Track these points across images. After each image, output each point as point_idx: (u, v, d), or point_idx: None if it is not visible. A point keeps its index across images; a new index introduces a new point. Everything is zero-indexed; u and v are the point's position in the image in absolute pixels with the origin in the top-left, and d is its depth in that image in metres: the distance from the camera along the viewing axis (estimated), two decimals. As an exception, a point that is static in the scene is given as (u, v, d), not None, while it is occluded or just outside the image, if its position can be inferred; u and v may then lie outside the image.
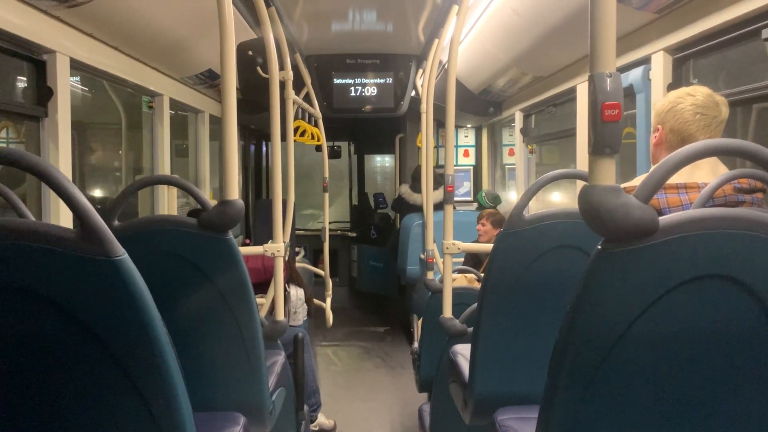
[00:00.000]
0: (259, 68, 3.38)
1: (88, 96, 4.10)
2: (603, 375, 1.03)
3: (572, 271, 1.03)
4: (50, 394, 1.13)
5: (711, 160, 1.72)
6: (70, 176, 2.62)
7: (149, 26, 2.92)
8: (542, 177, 2.01)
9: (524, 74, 4.30)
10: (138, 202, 3.86)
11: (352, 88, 5.38)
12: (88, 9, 2.40)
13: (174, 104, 4.00)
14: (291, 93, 3.53)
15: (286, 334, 2.93)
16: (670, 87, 2.59)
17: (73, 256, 1.05)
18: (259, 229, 6.35)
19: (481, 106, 5.56)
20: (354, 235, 7.61)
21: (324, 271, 5.70)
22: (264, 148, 7.80)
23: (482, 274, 2.78)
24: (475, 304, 2.26)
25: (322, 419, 3.97)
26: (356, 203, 8.21)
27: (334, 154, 7.42)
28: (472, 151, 7.02)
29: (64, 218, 2.40)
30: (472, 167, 7.00)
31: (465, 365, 2.28)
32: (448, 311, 2.79)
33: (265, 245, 2.76)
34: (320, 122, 5.46)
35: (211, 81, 4.17)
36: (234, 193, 1.99)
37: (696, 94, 1.77)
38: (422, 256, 5.06)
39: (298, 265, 5.32)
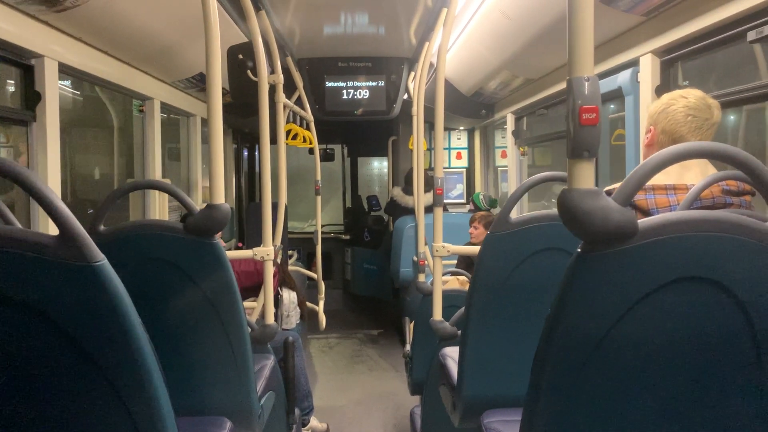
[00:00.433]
0: (249, 71, 3.37)
1: (79, 99, 4.09)
2: (584, 378, 1.03)
3: (558, 273, 1.03)
4: (29, 401, 1.12)
5: (701, 161, 1.73)
6: (59, 181, 2.61)
7: (139, 30, 2.92)
8: (526, 181, 2.02)
9: (515, 77, 4.31)
10: (129, 207, 3.85)
11: (344, 91, 5.38)
12: (76, 13, 2.39)
13: (165, 108, 4.00)
14: (282, 96, 3.53)
15: (278, 338, 2.92)
16: (659, 89, 2.60)
17: (52, 261, 1.04)
18: (252, 233, 6.34)
19: (473, 108, 5.57)
20: (347, 237, 7.61)
21: (317, 274, 5.70)
22: (257, 152, 7.79)
23: (473, 277, 2.78)
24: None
25: (314, 422, 3.96)
26: (350, 206, 8.21)
27: (327, 157, 7.42)
28: (464, 153, 7.03)
29: (53, 225, 2.38)
30: (464, 169, 7.01)
31: (454, 368, 2.28)
32: (438, 314, 2.79)
33: (255, 249, 2.75)
34: (312, 125, 5.46)
35: (202, 84, 4.16)
36: (220, 197, 1.99)
37: (689, 96, 1.79)
38: (414, 259, 5.06)
39: (290, 268, 5.32)
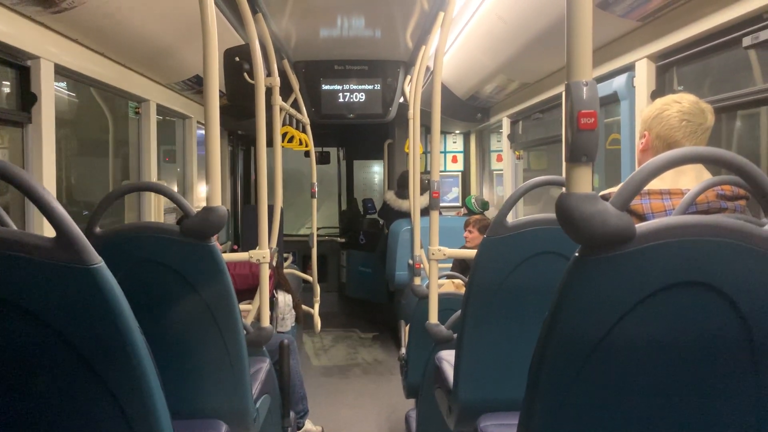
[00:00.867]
0: (245, 74, 3.37)
1: (75, 101, 4.07)
2: (581, 381, 1.04)
3: (555, 277, 1.04)
4: (24, 403, 1.12)
5: (696, 166, 1.73)
6: (54, 183, 2.60)
7: (135, 32, 2.91)
8: (523, 185, 2.02)
9: (511, 81, 4.33)
10: (125, 209, 3.84)
11: (341, 94, 5.38)
12: (73, 15, 2.39)
13: (161, 110, 3.99)
14: (278, 99, 3.53)
15: (273, 341, 2.92)
16: (654, 94, 2.61)
17: (48, 264, 1.04)
18: (248, 235, 6.32)
19: (469, 112, 5.58)
20: (343, 240, 7.60)
21: (312, 277, 5.69)
22: (252, 154, 7.78)
23: (469, 280, 2.78)
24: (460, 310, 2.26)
25: (309, 426, 3.95)
26: (345, 208, 8.21)
27: (323, 159, 7.41)
28: (460, 157, 7.04)
29: (49, 227, 2.37)
30: (460, 173, 7.02)
31: (450, 371, 2.28)
32: (434, 317, 2.79)
33: (250, 251, 2.75)
34: (308, 128, 5.46)
35: (198, 87, 4.16)
36: (217, 199, 1.99)
37: (682, 101, 1.79)
38: (410, 262, 5.06)
39: (286, 270, 5.31)
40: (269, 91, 3.41)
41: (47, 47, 2.49)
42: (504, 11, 3.34)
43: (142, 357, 1.11)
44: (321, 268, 6.62)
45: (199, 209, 1.91)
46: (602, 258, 0.98)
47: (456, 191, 6.98)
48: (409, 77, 5.31)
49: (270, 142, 3.28)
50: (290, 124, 5.39)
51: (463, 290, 3.44)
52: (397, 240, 5.63)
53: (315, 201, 5.76)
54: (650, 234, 0.98)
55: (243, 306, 3.14)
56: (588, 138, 0.99)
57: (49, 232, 1.06)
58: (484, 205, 5.99)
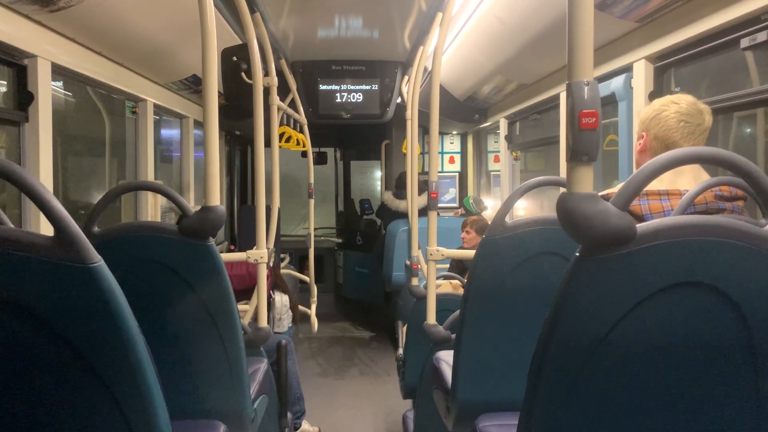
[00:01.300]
0: (243, 74, 3.37)
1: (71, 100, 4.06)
2: (582, 382, 1.03)
3: (554, 277, 1.03)
4: (23, 402, 1.11)
5: (694, 167, 1.74)
6: (51, 182, 2.60)
7: (133, 31, 2.91)
8: (523, 185, 2.02)
9: (509, 82, 4.33)
10: (121, 209, 3.83)
11: (338, 95, 5.37)
12: (70, 13, 2.38)
13: (158, 109, 3.98)
14: (275, 99, 3.52)
15: (270, 341, 2.91)
16: (652, 95, 2.61)
17: (48, 262, 1.03)
18: (244, 236, 6.32)
19: (467, 113, 5.59)
20: (340, 241, 7.60)
21: (309, 278, 5.69)
22: (249, 154, 7.78)
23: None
24: (459, 311, 2.26)
25: (306, 426, 3.94)
26: (342, 209, 8.20)
27: (320, 159, 7.41)
28: (457, 157, 7.05)
29: (45, 226, 2.37)
30: (457, 174, 7.03)
31: (448, 372, 2.27)
32: (432, 317, 2.79)
33: (248, 251, 2.74)
34: (306, 128, 5.45)
35: (195, 86, 4.15)
36: (215, 199, 1.98)
37: (680, 102, 1.79)
38: (407, 263, 5.06)
39: (283, 271, 5.30)
40: (267, 91, 3.41)
41: (44, 46, 2.48)
42: (502, 12, 3.34)
43: (141, 356, 1.11)
44: (318, 268, 6.62)
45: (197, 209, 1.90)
46: (603, 258, 0.98)
47: (453, 192, 6.99)
48: (406, 78, 5.31)
49: (268, 142, 3.28)
50: (288, 124, 5.39)
51: (460, 291, 3.44)
52: (395, 240, 5.63)
53: (312, 201, 5.75)
54: (651, 234, 0.98)
55: (240, 306, 3.14)
56: (589, 138, 0.99)
57: (46, 231, 1.06)
58: (480, 204, 5.99)
